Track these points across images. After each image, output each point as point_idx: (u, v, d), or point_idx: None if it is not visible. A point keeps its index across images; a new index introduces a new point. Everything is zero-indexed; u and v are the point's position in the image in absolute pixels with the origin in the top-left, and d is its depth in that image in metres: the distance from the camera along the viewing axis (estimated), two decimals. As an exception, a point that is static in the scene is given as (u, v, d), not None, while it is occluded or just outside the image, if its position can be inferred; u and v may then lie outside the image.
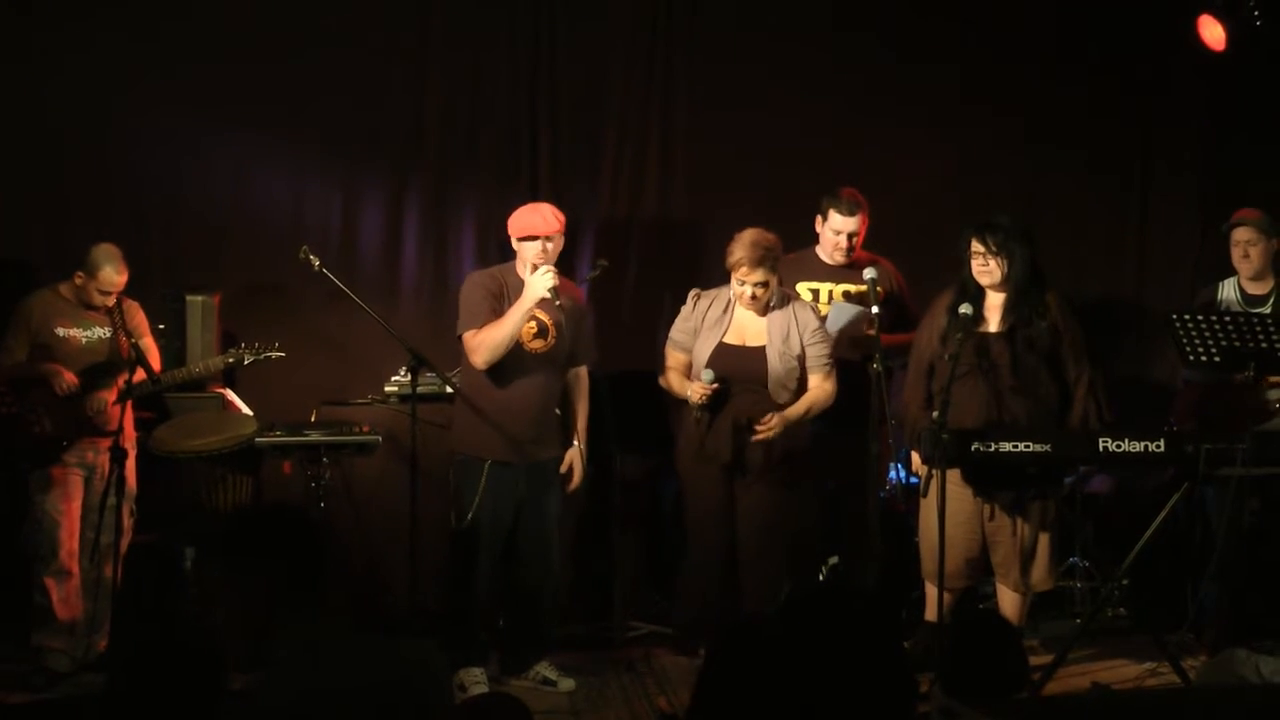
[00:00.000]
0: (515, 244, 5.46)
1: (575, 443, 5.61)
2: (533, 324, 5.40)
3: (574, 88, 6.82)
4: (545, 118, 6.76)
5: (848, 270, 6.02)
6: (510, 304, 5.34)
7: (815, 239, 6.09)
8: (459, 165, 6.71)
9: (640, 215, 6.89)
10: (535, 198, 6.62)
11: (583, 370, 5.65)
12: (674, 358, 5.69)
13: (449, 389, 5.58)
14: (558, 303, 5.34)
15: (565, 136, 6.80)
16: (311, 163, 6.56)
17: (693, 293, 5.71)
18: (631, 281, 6.75)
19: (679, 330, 5.69)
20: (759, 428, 5.47)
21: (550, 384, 5.50)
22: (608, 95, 6.86)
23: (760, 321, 5.61)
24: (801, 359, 5.58)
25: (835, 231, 5.97)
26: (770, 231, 5.55)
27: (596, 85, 6.85)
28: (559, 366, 5.52)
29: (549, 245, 5.40)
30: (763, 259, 5.47)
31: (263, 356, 5.81)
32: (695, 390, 5.48)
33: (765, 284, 5.51)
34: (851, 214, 5.94)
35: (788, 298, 5.67)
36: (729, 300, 5.63)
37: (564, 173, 6.79)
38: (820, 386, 5.61)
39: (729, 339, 5.60)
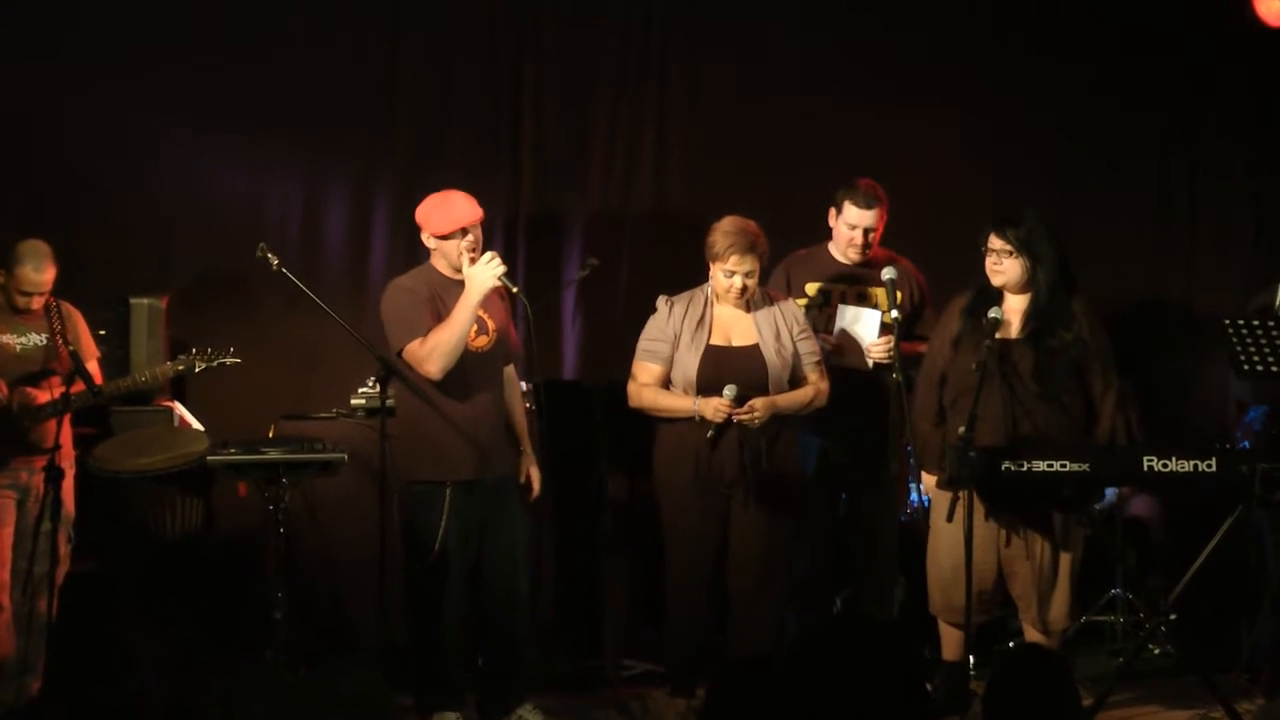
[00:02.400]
0: (435, 242, 5.37)
1: (525, 450, 5.57)
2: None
3: (561, 73, 6.84)
4: (529, 104, 6.78)
5: (863, 269, 5.93)
6: (445, 308, 5.27)
7: (828, 234, 5.99)
8: (432, 157, 6.68)
9: (634, 211, 6.89)
10: (517, 191, 6.61)
11: (510, 369, 5.59)
12: (650, 371, 5.56)
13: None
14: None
15: (550, 125, 6.83)
16: (270, 152, 6.55)
17: (662, 299, 5.62)
18: (624, 283, 6.73)
19: (654, 340, 5.57)
20: (738, 411, 5.33)
21: (499, 384, 5.47)
22: (598, 80, 6.88)
23: (744, 318, 5.55)
24: (795, 357, 5.52)
25: (850, 226, 5.87)
26: (750, 219, 5.48)
27: (586, 69, 6.86)
28: (500, 366, 5.50)
29: (477, 233, 5.37)
30: (752, 245, 5.43)
31: (216, 363, 5.70)
32: (715, 407, 5.35)
33: (753, 273, 5.46)
34: (869, 207, 5.85)
35: (768, 294, 5.62)
36: (705, 300, 5.55)
37: (549, 164, 6.83)
38: (818, 384, 5.56)
39: (715, 341, 5.51)
